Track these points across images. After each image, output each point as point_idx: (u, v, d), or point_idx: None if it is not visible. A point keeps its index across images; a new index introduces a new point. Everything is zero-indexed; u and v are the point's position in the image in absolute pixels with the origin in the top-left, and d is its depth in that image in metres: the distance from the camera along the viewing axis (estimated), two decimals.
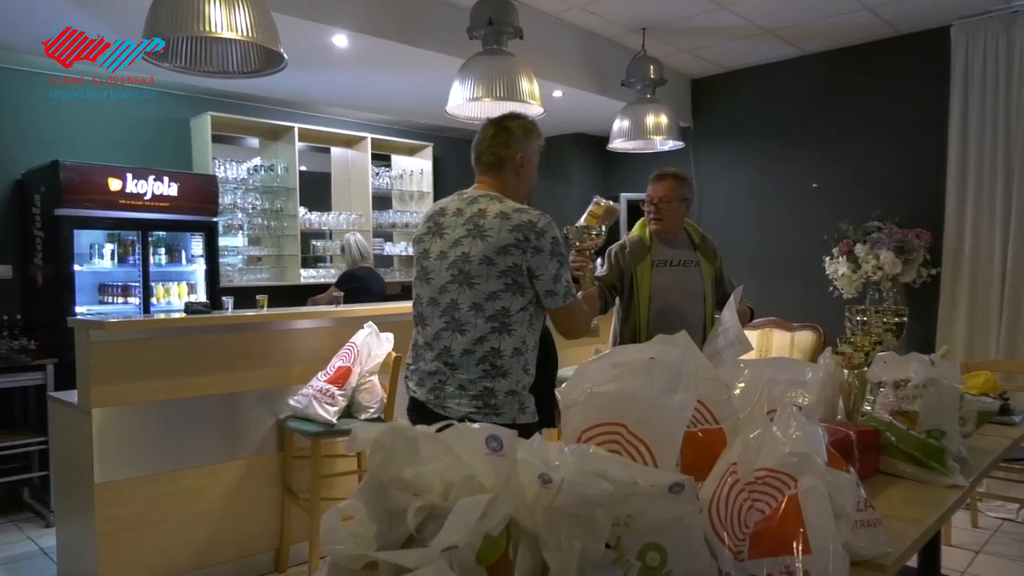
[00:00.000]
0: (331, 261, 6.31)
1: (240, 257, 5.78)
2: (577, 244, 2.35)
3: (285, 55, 2.59)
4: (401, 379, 2.32)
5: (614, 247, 2.95)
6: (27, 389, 4.33)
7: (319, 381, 3.23)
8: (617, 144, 4.92)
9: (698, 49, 5.29)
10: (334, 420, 3.13)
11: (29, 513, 4.30)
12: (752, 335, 4.94)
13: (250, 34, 2.43)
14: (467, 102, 3.51)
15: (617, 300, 2.93)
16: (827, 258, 4.89)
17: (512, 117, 2.19)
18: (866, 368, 1.97)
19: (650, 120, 4.72)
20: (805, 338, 5.01)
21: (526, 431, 1.99)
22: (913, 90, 4.94)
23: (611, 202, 2.43)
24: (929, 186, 4.82)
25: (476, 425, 0.85)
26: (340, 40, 3.79)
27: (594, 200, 2.40)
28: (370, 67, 4.39)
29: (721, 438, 1.32)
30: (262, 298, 3.55)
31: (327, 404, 3.13)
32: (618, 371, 1.19)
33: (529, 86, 3.51)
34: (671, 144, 4.96)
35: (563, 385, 1.23)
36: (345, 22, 3.62)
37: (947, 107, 4.70)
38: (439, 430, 0.90)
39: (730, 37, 5.00)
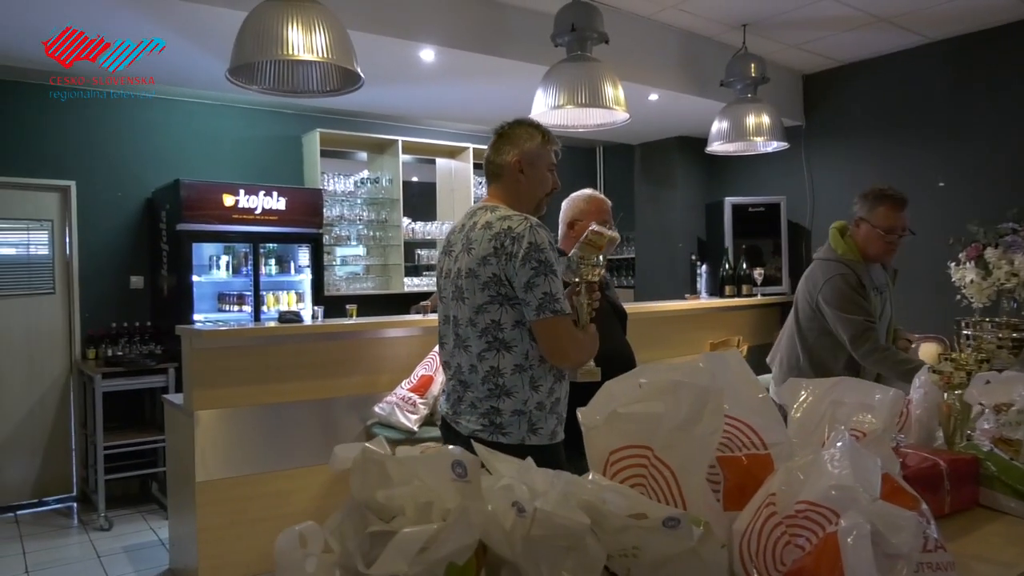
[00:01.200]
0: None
1: (348, 268, 6.02)
2: (575, 279, 2.05)
3: (362, 73, 2.66)
4: None
5: (851, 282, 2.66)
6: (154, 391, 4.70)
7: (402, 389, 3.29)
8: (716, 147, 4.72)
9: (806, 43, 4.99)
10: (415, 428, 3.18)
11: (155, 505, 4.66)
12: None
13: (328, 55, 2.52)
14: (550, 110, 3.48)
15: (810, 328, 2.69)
16: (953, 264, 4.46)
17: (514, 123, 2.11)
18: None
19: (751, 120, 4.50)
20: (929, 351, 4.57)
21: (543, 453, 1.92)
22: None
23: (611, 232, 2.11)
24: None
25: (451, 447, 0.82)
26: (427, 55, 3.87)
27: (591, 228, 2.07)
28: (458, 79, 4.46)
29: (768, 464, 1.22)
30: (352, 307, 3.67)
31: (409, 412, 3.18)
32: (644, 391, 1.13)
33: (613, 91, 3.43)
34: (775, 145, 4.70)
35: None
36: (430, 37, 3.70)
37: None
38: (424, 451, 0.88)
39: (841, 28, 4.68)
